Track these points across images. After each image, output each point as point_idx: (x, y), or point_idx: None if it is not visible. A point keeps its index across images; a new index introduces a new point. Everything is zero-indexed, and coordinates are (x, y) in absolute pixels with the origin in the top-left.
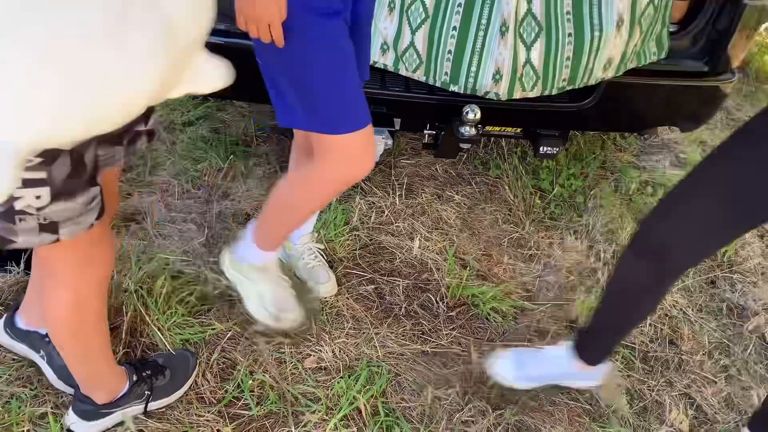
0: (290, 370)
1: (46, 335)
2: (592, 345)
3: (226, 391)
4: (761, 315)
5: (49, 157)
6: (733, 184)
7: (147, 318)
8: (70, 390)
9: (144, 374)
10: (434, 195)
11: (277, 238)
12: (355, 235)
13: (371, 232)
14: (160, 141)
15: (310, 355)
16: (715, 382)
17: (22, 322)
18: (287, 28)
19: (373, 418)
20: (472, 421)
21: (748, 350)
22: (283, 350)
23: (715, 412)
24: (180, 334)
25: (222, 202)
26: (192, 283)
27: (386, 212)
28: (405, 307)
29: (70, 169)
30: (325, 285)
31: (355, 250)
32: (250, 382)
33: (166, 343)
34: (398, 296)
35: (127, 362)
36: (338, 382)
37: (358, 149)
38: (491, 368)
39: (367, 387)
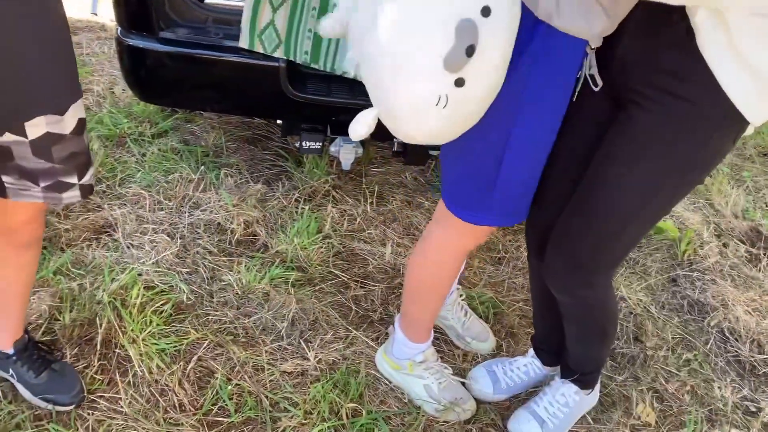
0: (268, 377)
1: (13, 354)
2: (546, 348)
3: (205, 399)
4: (720, 311)
5: None
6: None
7: (121, 329)
8: (46, 405)
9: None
10: (404, 202)
11: (427, 325)
12: (328, 242)
13: (344, 240)
14: (128, 153)
15: (287, 360)
16: (679, 375)
17: None
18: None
19: (350, 420)
20: (447, 421)
21: (709, 344)
22: (260, 357)
23: (680, 405)
24: (156, 344)
25: (194, 212)
26: (165, 293)
27: (358, 220)
28: (380, 312)
29: None
30: (486, 343)
31: (329, 257)
32: (229, 388)
33: (141, 354)
34: (373, 302)
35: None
36: (315, 387)
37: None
38: (471, 389)
39: (345, 390)
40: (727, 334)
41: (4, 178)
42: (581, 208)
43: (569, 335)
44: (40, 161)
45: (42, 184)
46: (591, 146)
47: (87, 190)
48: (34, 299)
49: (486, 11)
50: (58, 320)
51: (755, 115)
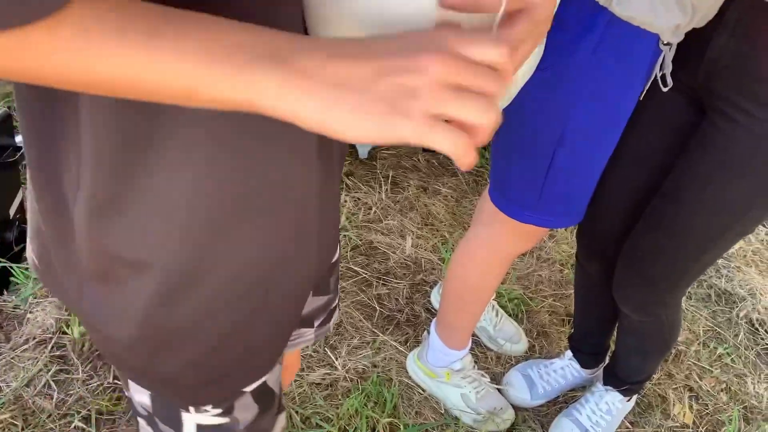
0: (296, 389)
1: None
2: (586, 349)
3: None
4: (748, 300)
5: (226, 406)
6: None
7: None
8: None
9: None
10: (420, 188)
11: (467, 331)
12: (345, 235)
13: (360, 231)
14: None
15: (315, 370)
16: (712, 372)
17: None
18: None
19: None
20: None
21: (739, 337)
22: None
23: (715, 403)
24: None
25: None
26: None
27: (374, 209)
28: (407, 313)
29: (258, 410)
30: (519, 344)
31: (347, 251)
32: None
33: None
34: (398, 301)
35: None
36: (348, 400)
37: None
38: (507, 395)
39: (379, 402)
40: (757, 326)
41: None
42: (658, 226)
43: (625, 347)
44: None
45: None
46: (661, 153)
47: None
48: (39, 312)
49: None
50: (66, 333)
51: None
